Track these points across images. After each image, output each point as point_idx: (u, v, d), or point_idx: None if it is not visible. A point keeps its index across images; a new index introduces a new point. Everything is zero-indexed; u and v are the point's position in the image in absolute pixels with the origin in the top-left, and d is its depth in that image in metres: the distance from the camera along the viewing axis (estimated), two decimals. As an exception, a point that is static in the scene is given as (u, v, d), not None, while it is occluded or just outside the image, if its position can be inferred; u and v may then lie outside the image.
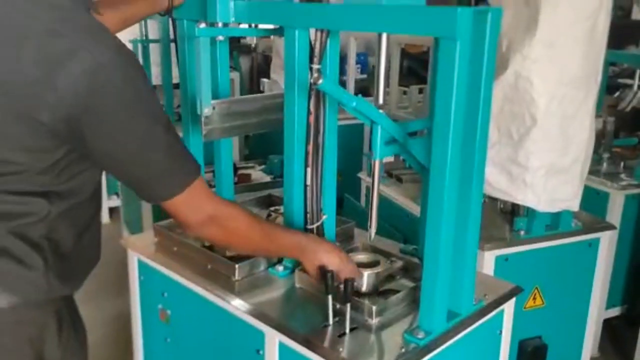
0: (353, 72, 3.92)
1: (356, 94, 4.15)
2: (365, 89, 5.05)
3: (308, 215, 1.32)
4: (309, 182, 1.30)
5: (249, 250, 1.28)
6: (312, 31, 1.22)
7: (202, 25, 1.27)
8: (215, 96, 1.40)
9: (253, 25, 1.38)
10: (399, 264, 1.35)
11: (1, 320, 0.98)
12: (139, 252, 1.48)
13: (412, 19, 0.99)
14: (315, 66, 1.22)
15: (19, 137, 0.90)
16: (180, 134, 1.65)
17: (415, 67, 5.42)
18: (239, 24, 1.33)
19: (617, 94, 2.75)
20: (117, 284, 2.50)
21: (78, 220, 1.05)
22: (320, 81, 1.03)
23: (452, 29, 0.94)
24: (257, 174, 2.71)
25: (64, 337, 1.07)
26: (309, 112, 1.25)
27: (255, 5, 1.27)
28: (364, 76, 5.40)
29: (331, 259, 1.20)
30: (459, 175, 1.06)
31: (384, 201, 2.29)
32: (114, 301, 2.72)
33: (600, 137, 2.38)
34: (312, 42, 1.23)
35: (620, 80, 3.51)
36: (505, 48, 1.66)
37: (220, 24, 1.30)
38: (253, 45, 5.05)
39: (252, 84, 5.44)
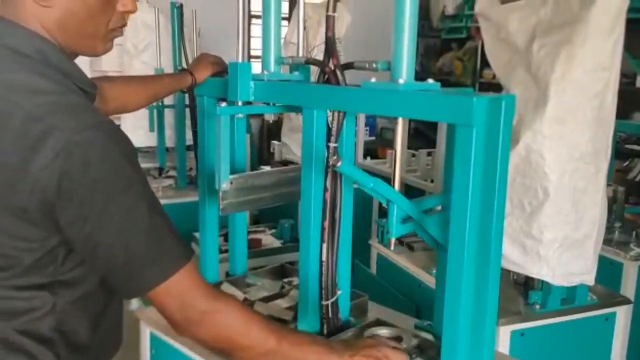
0: (362, 135, 4.00)
1: (365, 156, 4.22)
2: (373, 150, 5.13)
3: (323, 292, 1.32)
4: (324, 258, 1.30)
5: (257, 356, 1.02)
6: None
7: (223, 104, 1.31)
8: (231, 169, 1.43)
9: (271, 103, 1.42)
10: (414, 342, 1.33)
11: None
12: (152, 325, 1.46)
13: (429, 106, 1.02)
14: (332, 145, 1.25)
15: (7, 227, 0.87)
16: (194, 198, 1.68)
17: (423, 129, 5.53)
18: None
19: (626, 163, 2.78)
20: (121, 351, 2.46)
21: (89, 309, 0.99)
22: (339, 164, 1.06)
23: (468, 117, 0.97)
24: (268, 239, 2.71)
25: None
26: (325, 189, 1.28)
27: (275, 86, 1.32)
28: (372, 138, 5.50)
29: None
30: (477, 255, 1.06)
31: (395, 269, 2.29)
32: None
33: (611, 206, 2.38)
34: (329, 122, 1.26)
35: (628, 146, 3.56)
36: (516, 122, 1.70)
37: (240, 103, 1.34)
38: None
39: (262, 146, 5.53)
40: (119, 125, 0.91)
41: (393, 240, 1.18)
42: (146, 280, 0.91)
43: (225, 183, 1.35)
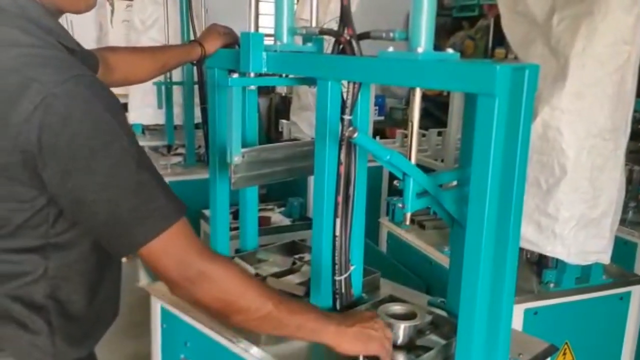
0: (372, 115, 3.95)
1: (374, 135, 4.17)
2: (382, 130, 5.09)
3: (336, 267, 1.30)
4: (338, 233, 1.28)
5: (254, 320, 0.98)
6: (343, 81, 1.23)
7: (235, 75, 1.28)
8: (243, 143, 1.40)
9: (284, 74, 1.39)
10: (428, 318, 1.31)
11: None
12: (163, 299, 1.46)
13: (449, 75, 0.99)
14: (347, 117, 1.22)
15: None
16: (203, 176, 1.66)
17: (432, 109, 5.46)
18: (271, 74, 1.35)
19: (642, 142, 2.73)
20: (132, 327, 2.46)
21: (85, 277, 0.97)
22: (356, 135, 1.03)
23: (491, 86, 0.93)
24: (277, 217, 2.69)
25: None
26: (339, 163, 1.25)
27: (288, 57, 1.29)
28: (382, 118, 5.46)
29: (376, 349, 1.08)
30: (496, 231, 1.03)
31: (405, 248, 2.27)
32: (129, 344, 2.67)
33: (626, 185, 2.34)
34: (344, 93, 1.23)
35: (642, 127, 3.48)
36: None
37: (252, 74, 1.31)
38: (272, 87, 5.13)
39: (270, 125, 5.49)
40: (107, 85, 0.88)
41: (409, 214, 1.16)
42: (136, 237, 0.87)
43: (237, 156, 1.33)
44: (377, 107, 5.19)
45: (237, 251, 1.67)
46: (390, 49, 1.09)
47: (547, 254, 1.69)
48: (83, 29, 3.76)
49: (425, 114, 5.54)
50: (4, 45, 0.83)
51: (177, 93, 3.36)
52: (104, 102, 0.85)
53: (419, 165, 1.11)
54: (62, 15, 0.98)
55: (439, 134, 3.56)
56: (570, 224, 1.62)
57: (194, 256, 0.91)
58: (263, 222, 2.55)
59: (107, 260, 1.03)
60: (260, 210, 2.70)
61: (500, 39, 5.29)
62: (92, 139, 0.82)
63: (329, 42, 1.32)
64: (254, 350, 1.24)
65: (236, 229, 1.70)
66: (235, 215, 1.79)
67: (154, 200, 0.88)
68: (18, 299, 0.91)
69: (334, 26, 1.24)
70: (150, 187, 0.88)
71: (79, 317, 0.98)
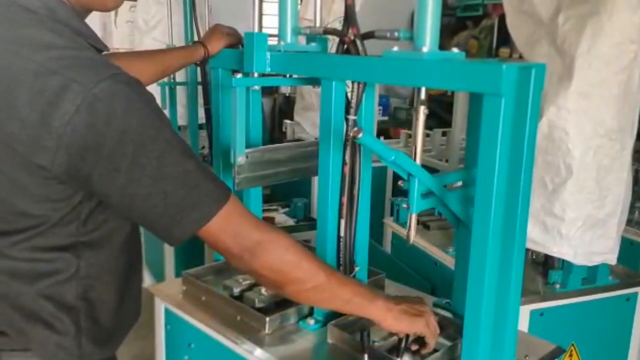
0: (376, 115, 3.94)
1: (378, 135, 4.16)
2: (385, 130, 5.08)
3: (341, 267, 1.30)
4: (342, 234, 1.28)
5: (307, 291, 1.01)
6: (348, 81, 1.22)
7: (239, 75, 1.28)
8: (246, 143, 1.40)
9: (287, 74, 1.38)
10: (433, 319, 1.31)
11: None
12: (167, 300, 1.45)
13: (455, 74, 0.98)
14: (352, 117, 1.21)
15: (30, 186, 0.85)
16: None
17: (436, 109, 5.45)
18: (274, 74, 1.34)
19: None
20: (137, 328, 2.46)
21: (116, 275, 0.98)
22: (361, 135, 1.02)
23: (497, 86, 0.92)
24: (281, 217, 2.69)
25: None
26: (344, 163, 1.24)
27: (292, 57, 1.28)
28: (385, 118, 5.45)
29: (421, 327, 1.11)
30: (502, 232, 1.03)
31: (410, 248, 2.26)
32: (133, 345, 2.65)
33: (633, 186, 2.33)
34: (348, 93, 1.22)
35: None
36: (538, 98, 1.64)
37: (256, 74, 1.30)
38: (275, 87, 5.12)
39: (273, 125, 5.49)
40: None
41: (414, 215, 1.15)
42: (190, 224, 0.90)
43: (241, 157, 1.32)
44: (380, 107, 5.19)
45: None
46: (395, 48, 1.08)
47: (553, 254, 1.68)
48: (87, 30, 3.76)
49: (429, 113, 5.53)
50: (39, 47, 0.84)
51: (180, 94, 3.35)
52: (143, 98, 0.86)
53: (423, 166, 1.11)
54: (89, 14, 0.98)
55: (443, 134, 3.55)
56: (576, 224, 1.61)
57: (250, 228, 0.95)
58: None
59: (135, 260, 1.05)
60: (264, 210, 2.70)
61: (504, 39, 5.28)
62: (137, 134, 0.83)
63: (333, 42, 1.31)
64: (258, 351, 1.23)
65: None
66: (239, 216, 1.78)
67: (202, 185, 0.91)
68: (49, 298, 0.92)
69: (338, 26, 1.23)
70: (197, 174, 0.90)
71: (107, 318, 0.99)
